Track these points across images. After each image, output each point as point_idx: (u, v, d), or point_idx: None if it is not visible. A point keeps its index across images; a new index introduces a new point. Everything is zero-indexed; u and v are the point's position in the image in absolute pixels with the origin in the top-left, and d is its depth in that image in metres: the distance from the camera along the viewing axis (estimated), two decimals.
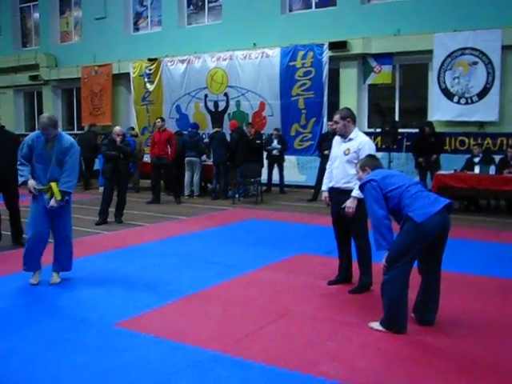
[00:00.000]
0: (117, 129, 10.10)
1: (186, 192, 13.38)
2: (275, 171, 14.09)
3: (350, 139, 5.52)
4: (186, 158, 13.19)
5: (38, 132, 5.70)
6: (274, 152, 13.80)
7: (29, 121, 22.33)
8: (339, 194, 5.55)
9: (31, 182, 5.60)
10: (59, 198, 5.59)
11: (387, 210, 4.43)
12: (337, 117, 5.56)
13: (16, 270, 6.38)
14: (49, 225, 5.74)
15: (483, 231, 8.93)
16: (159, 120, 12.90)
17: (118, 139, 9.73)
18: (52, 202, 5.57)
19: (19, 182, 5.76)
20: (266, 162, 13.94)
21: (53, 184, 5.60)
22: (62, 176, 5.64)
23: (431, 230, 4.23)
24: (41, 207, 5.64)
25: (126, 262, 6.88)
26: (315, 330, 4.50)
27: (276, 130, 14.07)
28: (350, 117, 5.55)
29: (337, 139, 5.74)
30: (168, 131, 13.01)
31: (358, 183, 5.00)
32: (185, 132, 13.98)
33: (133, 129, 16.02)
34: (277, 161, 13.93)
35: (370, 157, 5.01)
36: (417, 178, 11.37)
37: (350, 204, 5.32)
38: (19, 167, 5.67)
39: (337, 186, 5.58)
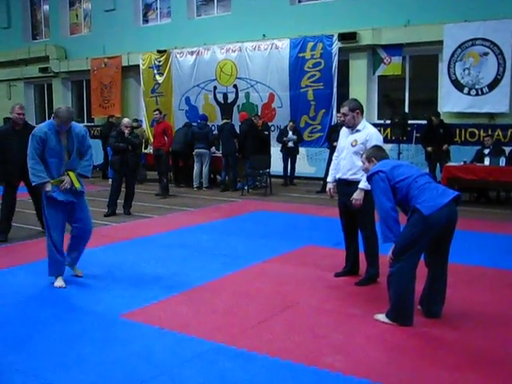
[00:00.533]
0: (125, 121, 10.12)
1: (195, 184, 13.39)
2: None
3: (358, 130, 5.49)
4: (196, 150, 13.20)
5: (48, 124, 5.48)
6: (290, 144, 13.69)
7: (39, 113, 22.42)
8: (346, 186, 5.52)
9: (50, 187, 5.41)
10: (78, 185, 5.53)
11: (395, 201, 4.40)
12: (345, 109, 5.51)
13: (21, 262, 6.44)
14: (66, 221, 5.65)
15: (493, 223, 8.87)
16: (157, 112, 12.81)
17: (127, 131, 9.74)
18: (67, 179, 5.44)
19: (34, 183, 5.42)
20: (280, 154, 13.89)
21: (71, 173, 5.51)
22: (83, 160, 5.63)
23: (438, 223, 4.20)
24: (57, 205, 5.48)
25: (134, 253, 6.90)
26: (320, 321, 4.49)
27: (292, 121, 13.97)
28: (359, 108, 5.52)
29: (344, 130, 5.71)
30: (164, 123, 12.94)
31: (365, 174, 4.98)
32: (194, 124, 13.98)
33: (136, 120, 15.93)
34: (291, 153, 13.84)
35: (376, 147, 4.97)
36: (426, 170, 11.33)
37: (357, 196, 5.30)
38: (34, 166, 5.34)
39: (344, 177, 5.56)
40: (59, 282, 5.47)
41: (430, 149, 11.81)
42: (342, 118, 5.67)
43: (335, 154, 5.81)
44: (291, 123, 13.86)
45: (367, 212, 5.39)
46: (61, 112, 5.33)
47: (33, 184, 5.49)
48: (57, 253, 5.49)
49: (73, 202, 5.54)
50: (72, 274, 5.77)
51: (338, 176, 5.65)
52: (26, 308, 4.89)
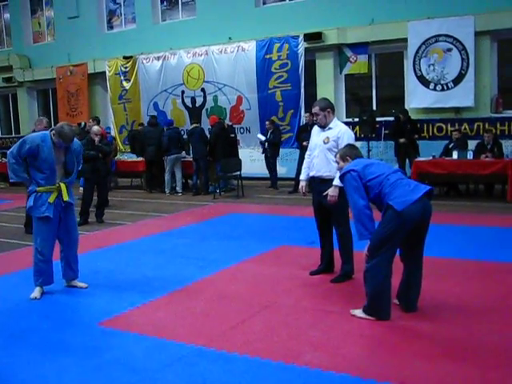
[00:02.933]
0: (95, 128, 10.04)
1: (167, 189, 13.30)
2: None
3: (330, 128, 5.54)
4: (173, 156, 13.11)
5: (42, 136, 5.40)
6: (266, 145, 13.37)
7: (4, 124, 22.09)
8: (320, 183, 5.56)
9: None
10: (66, 198, 5.50)
11: (368, 199, 4.46)
12: (316, 109, 5.56)
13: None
14: (56, 234, 5.61)
15: (463, 216, 9.03)
16: (90, 120, 12.44)
17: (97, 139, 9.67)
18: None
19: (12, 179, 5.50)
20: (251, 156, 13.80)
21: (62, 185, 5.48)
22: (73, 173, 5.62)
23: (412, 218, 4.26)
24: (47, 219, 5.44)
25: (109, 261, 6.86)
26: (298, 320, 4.52)
27: (269, 121, 13.60)
28: (330, 107, 5.57)
29: (316, 129, 5.75)
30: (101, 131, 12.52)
31: (339, 173, 5.05)
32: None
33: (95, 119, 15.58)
34: (267, 154, 13.49)
35: (350, 146, 5.03)
36: (396, 166, 11.49)
37: (332, 192, 5.34)
38: (14, 166, 5.35)
39: (318, 174, 5.59)
40: (35, 293, 5.42)
41: (402, 140, 11.95)
42: (314, 118, 5.68)
43: (307, 152, 5.84)
44: (268, 123, 13.53)
45: (341, 209, 5.42)
46: (64, 132, 5.31)
47: (10, 180, 5.57)
48: (44, 263, 5.45)
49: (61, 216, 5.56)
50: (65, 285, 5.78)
51: (311, 174, 5.68)
52: (3, 319, 4.83)
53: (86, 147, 9.59)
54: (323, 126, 5.58)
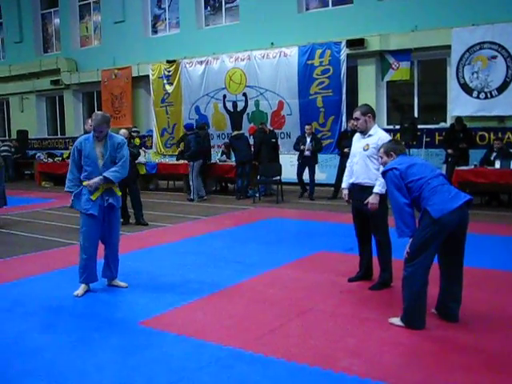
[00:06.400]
0: (122, 131, 10.07)
1: (194, 196, 13.20)
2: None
3: (370, 135, 5.55)
4: (200, 161, 13.17)
5: (86, 135, 5.69)
6: (307, 153, 12.73)
7: (51, 125, 22.64)
8: (360, 190, 5.57)
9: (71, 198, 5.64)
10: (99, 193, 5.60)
11: (409, 199, 4.44)
12: (357, 113, 5.59)
13: (43, 270, 6.52)
14: (99, 233, 5.71)
15: (505, 226, 8.87)
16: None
17: None
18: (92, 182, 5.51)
19: (66, 189, 5.72)
20: (293, 162, 13.75)
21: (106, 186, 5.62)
22: (114, 166, 5.58)
23: (448, 226, 4.24)
24: (92, 217, 5.57)
25: (149, 261, 6.98)
26: (335, 326, 4.53)
27: (309, 125, 13.16)
28: (371, 113, 5.59)
29: (357, 136, 5.77)
30: None
31: (379, 179, 5.08)
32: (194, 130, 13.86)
33: (134, 130, 15.74)
34: (307, 162, 12.87)
35: (394, 141, 5.01)
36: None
37: (372, 200, 5.34)
38: (67, 175, 5.66)
39: (357, 181, 5.60)
40: (78, 290, 5.56)
41: (450, 151, 11.86)
42: (355, 123, 5.75)
43: (349, 160, 5.86)
44: (309, 128, 13.03)
45: (381, 216, 5.43)
46: (94, 116, 5.53)
47: (66, 190, 5.75)
48: (86, 260, 5.59)
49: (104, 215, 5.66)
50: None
51: (351, 181, 5.71)
52: (46, 317, 4.96)
53: None
54: (363, 132, 5.60)
